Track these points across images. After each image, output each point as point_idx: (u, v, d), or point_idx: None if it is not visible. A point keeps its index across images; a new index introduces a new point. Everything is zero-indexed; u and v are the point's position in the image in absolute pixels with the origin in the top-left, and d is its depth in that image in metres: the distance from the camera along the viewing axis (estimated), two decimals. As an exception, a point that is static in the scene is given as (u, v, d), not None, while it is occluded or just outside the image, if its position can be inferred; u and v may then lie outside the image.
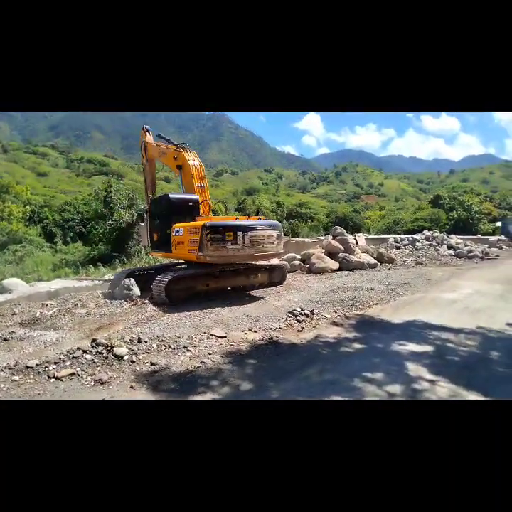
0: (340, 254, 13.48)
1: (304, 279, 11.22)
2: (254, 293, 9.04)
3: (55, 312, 7.70)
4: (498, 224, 34.72)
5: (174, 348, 4.65)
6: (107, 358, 4.21)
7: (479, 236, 27.10)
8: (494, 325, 6.09)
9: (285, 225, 42.43)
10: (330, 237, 14.86)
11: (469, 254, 16.91)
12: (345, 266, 13.14)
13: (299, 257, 14.07)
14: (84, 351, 4.24)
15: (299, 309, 6.44)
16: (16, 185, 44.20)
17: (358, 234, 19.15)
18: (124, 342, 4.60)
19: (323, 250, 13.90)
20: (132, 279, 9.21)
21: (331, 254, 13.61)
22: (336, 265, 13.09)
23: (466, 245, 18.25)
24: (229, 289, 9.11)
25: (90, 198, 34.06)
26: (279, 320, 6.13)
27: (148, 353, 4.50)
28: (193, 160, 9.83)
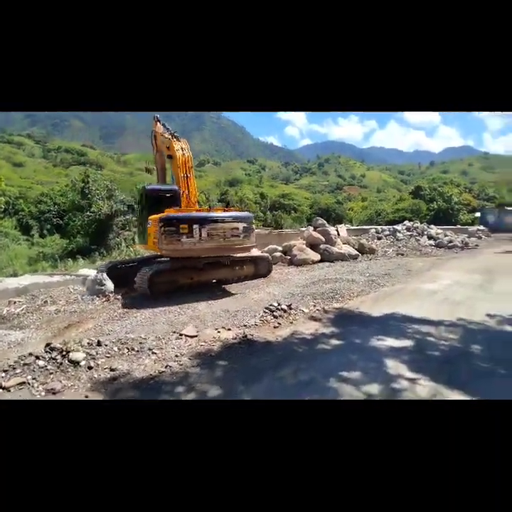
0: (321, 246, 13.34)
1: (285, 271, 11.05)
2: (234, 286, 8.81)
3: (22, 310, 7.32)
4: (477, 214, 35.37)
5: (138, 351, 4.31)
6: (61, 364, 3.84)
7: (459, 226, 27.46)
8: (474, 316, 5.99)
9: (268, 217, 42.29)
10: (311, 228, 14.68)
11: (449, 245, 17.03)
12: (327, 257, 13.02)
13: (280, 248, 13.88)
14: (37, 357, 3.86)
15: (276, 304, 6.19)
16: (-11, 177, 42.56)
17: (340, 225, 19.03)
18: (82, 346, 4.22)
19: (305, 242, 13.73)
20: (105, 274, 8.89)
21: (313, 245, 13.46)
22: (317, 257, 12.95)
23: (446, 235, 18.38)
24: (214, 281, 8.90)
25: (67, 189, 33.05)
26: (255, 316, 5.87)
27: (108, 357, 4.14)
28: (181, 149, 9.36)
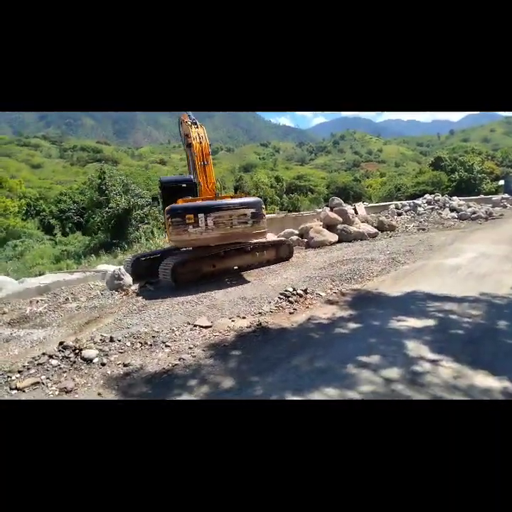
0: (338, 226, 13.05)
1: (303, 255, 10.88)
2: (252, 272, 8.74)
3: (44, 308, 7.46)
4: (501, 182, 33.91)
5: (151, 345, 4.29)
6: (74, 362, 3.85)
7: (482, 196, 26.41)
8: (500, 290, 5.71)
9: (285, 200, 41.88)
10: (327, 209, 14.37)
11: (473, 216, 16.36)
12: (345, 237, 12.74)
13: (296, 232, 13.68)
14: (50, 356, 3.88)
15: (292, 289, 6.05)
16: (9, 180, 43.67)
17: (358, 203, 18.58)
18: (94, 343, 4.22)
19: (321, 223, 13.47)
20: (122, 268, 9.00)
21: (330, 226, 13.19)
22: (334, 238, 12.69)
23: (469, 207, 17.66)
24: (235, 268, 8.87)
25: (85, 187, 33.66)
26: (270, 303, 5.76)
27: (121, 353, 4.13)
28: (198, 136, 9.13)
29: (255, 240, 8.87)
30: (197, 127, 9.35)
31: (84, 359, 3.89)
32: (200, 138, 9.10)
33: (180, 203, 8.02)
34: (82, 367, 3.82)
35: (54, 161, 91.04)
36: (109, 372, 3.74)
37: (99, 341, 4.31)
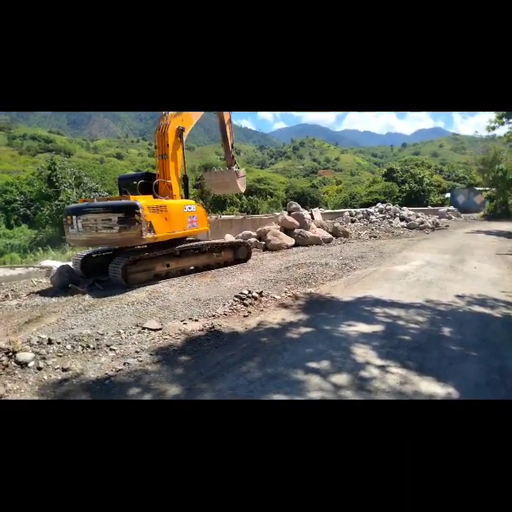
0: (295, 230, 13.24)
1: (260, 257, 10.91)
2: (208, 273, 8.64)
3: (-20, 306, 6.87)
4: (448, 195, 36.14)
5: (94, 348, 4.03)
6: (7, 366, 3.52)
7: (430, 207, 27.99)
8: (445, 297, 6.00)
9: (244, 202, 41.87)
10: (285, 213, 14.53)
11: (421, 226, 17.27)
12: (301, 242, 12.94)
13: (255, 234, 13.69)
14: (-21, 359, 3.54)
15: (247, 292, 6.00)
16: None
17: (314, 209, 18.98)
18: (31, 345, 3.90)
19: (279, 226, 13.58)
20: (70, 265, 8.52)
21: (287, 230, 13.34)
22: (291, 241, 12.85)
23: (417, 217, 18.64)
24: (192, 268, 8.71)
25: (34, 178, 31.72)
26: (224, 305, 5.67)
27: (60, 356, 3.84)
28: (163, 125, 8.76)
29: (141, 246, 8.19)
30: (163, 117, 8.99)
31: (18, 363, 3.56)
32: (163, 126, 8.75)
33: (75, 204, 8.27)
34: (16, 371, 3.49)
35: (1, 148, 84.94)
36: (45, 377, 3.44)
37: (36, 343, 3.98)
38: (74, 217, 7.59)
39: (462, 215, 26.20)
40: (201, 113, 10.17)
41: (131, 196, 7.55)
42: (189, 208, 8.68)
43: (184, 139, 9.14)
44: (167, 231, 7.87)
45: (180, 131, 8.92)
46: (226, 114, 11.49)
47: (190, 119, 9.48)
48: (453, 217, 24.27)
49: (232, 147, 12.50)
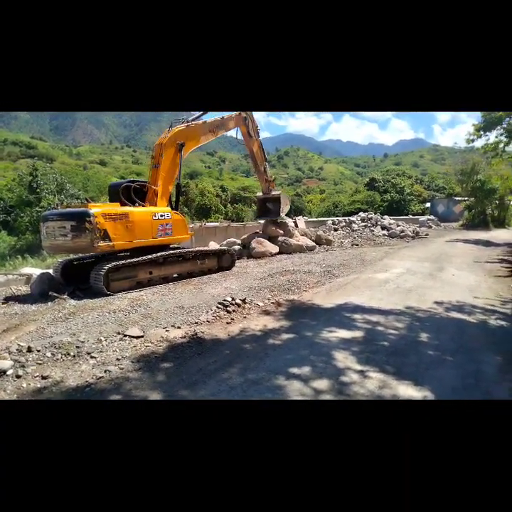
0: (279, 238, 13.35)
1: (244, 265, 10.95)
2: (191, 280, 8.63)
3: (-44, 313, 6.68)
4: (428, 205, 37.05)
5: (74, 356, 3.98)
6: (-16, 374, 3.46)
7: (410, 216, 28.61)
8: (423, 304, 6.15)
9: (229, 209, 41.95)
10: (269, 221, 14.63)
11: (401, 234, 17.63)
12: (285, 249, 13.05)
13: (239, 241, 13.74)
14: (-45, 368, 3.46)
15: (230, 299, 6.03)
16: None
17: (298, 217, 19.18)
18: (10, 353, 3.84)
19: (264, 234, 13.68)
20: (49, 272, 8.39)
21: (271, 238, 13.44)
22: (275, 249, 12.94)
23: (398, 226, 19.01)
24: (175, 276, 8.68)
25: (14, 184, 31.07)
26: (207, 312, 5.68)
27: (39, 364, 3.78)
28: (164, 135, 9.05)
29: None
30: (181, 126, 9.32)
31: (-5, 371, 3.50)
32: (164, 139, 8.96)
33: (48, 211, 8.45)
34: (-7, 379, 3.43)
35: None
36: (24, 385, 3.38)
37: (15, 351, 3.92)
38: (41, 224, 7.75)
39: (442, 224, 26.88)
40: (214, 136, 10.45)
41: (89, 204, 7.54)
42: (161, 216, 8.50)
43: (184, 154, 9.25)
44: (128, 239, 7.76)
45: (180, 146, 9.08)
46: (254, 143, 11.92)
47: (195, 138, 9.68)
48: (433, 226, 24.88)
49: (265, 171, 12.87)
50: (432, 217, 28.33)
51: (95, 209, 7.29)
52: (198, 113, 10.22)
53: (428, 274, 8.88)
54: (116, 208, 7.79)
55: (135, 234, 7.86)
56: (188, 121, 9.56)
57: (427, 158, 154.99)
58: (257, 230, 14.37)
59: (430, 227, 24.24)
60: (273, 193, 13.58)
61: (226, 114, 10.96)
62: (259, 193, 14.14)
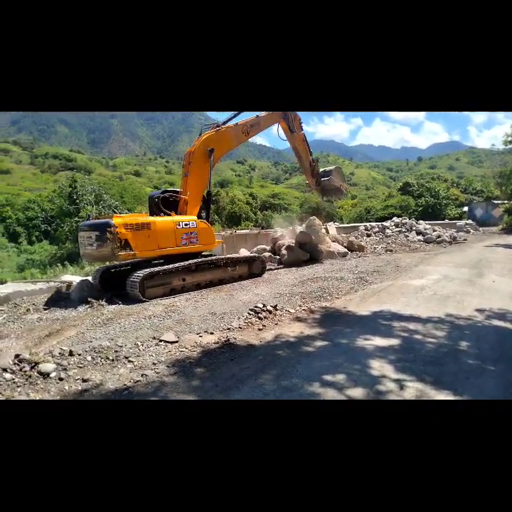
0: (310, 244, 13.25)
1: (274, 271, 10.94)
2: (223, 287, 8.72)
3: (3, 319, 7.08)
4: (465, 209, 35.68)
5: (113, 360, 4.12)
6: (30, 376, 3.63)
7: (447, 221, 27.66)
8: (463, 312, 5.91)
9: (260, 216, 42.19)
10: (299, 227, 14.58)
11: (438, 239, 17.04)
12: (316, 256, 12.93)
13: (269, 248, 13.77)
14: (4, 370, 3.65)
15: (261, 305, 6.04)
16: (-27, 185, 41.84)
17: (329, 223, 19.00)
18: (53, 356, 4.02)
19: (294, 241, 13.63)
20: (89, 280, 8.75)
21: (302, 244, 13.36)
22: (306, 256, 12.86)
23: (434, 230, 18.39)
24: (207, 282, 8.81)
25: (55, 195, 32.73)
26: (239, 318, 5.71)
27: (80, 367, 3.94)
28: (195, 143, 9.19)
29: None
30: (211, 131, 9.37)
31: (40, 373, 3.67)
32: (193, 147, 9.08)
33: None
34: (38, 381, 3.60)
35: (24, 167, 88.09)
36: (66, 387, 3.53)
37: (57, 355, 4.10)
38: (78, 233, 8.33)
39: (480, 228, 25.77)
40: (242, 141, 10.35)
41: (114, 215, 7.97)
42: (185, 225, 8.59)
43: (214, 159, 9.23)
44: (150, 248, 8.02)
45: (209, 152, 9.11)
46: (297, 138, 11.70)
47: (227, 143, 9.73)
48: (471, 230, 23.89)
49: (311, 165, 12.70)
50: (469, 221, 27.25)
51: (117, 220, 7.65)
52: (231, 113, 10.10)
53: (467, 280, 8.53)
54: (137, 218, 8.12)
55: (158, 243, 8.12)
56: (218, 126, 9.53)
57: (463, 161, 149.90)
58: (288, 237, 14.34)
59: (468, 231, 23.29)
60: (323, 169, 13.20)
61: (261, 113, 10.66)
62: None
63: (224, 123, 9.74)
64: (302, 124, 12.04)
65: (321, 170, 13.22)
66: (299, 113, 11.88)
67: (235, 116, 10.09)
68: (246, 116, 10.37)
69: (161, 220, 8.30)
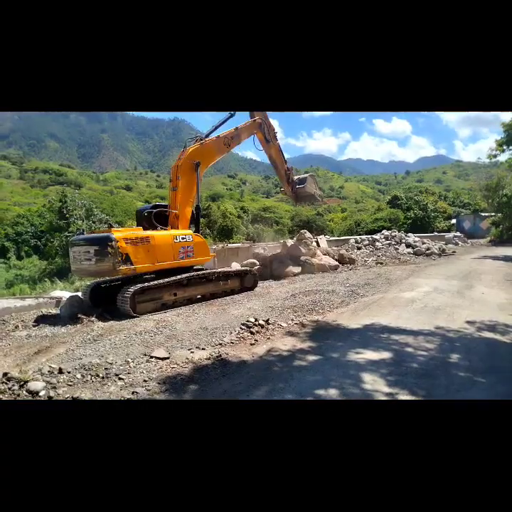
0: (301, 258, 13.31)
1: (266, 285, 10.93)
2: (215, 301, 8.70)
3: (-10, 336, 6.94)
4: (453, 221, 36.24)
5: (103, 377, 4.05)
6: (18, 395, 3.55)
7: (436, 233, 28.00)
8: (453, 324, 5.97)
9: (251, 230, 42.29)
10: (290, 240, 14.67)
11: (427, 252, 17.25)
12: (307, 269, 12.98)
13: (260, 262, 13.78)
14: (-9, 388, 3.58)
15: (253, 320, 6.03)
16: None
17: (320, 236, 19.13)
18: (42, 374, 3.95)
19: (285, 254, 13.69)
20: (78, 295, 8.65)
21: (293, 257, 13.42)
22: (297, 269, 12.90)
23: (423, 243, 18.63)
24: (199, 297, 8.78)
25: (44, 210, 32.49)
26: (231, 333, 5.69)
27: (70, 385, 3.87)
28: (180, 157, 9.15)
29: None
30: (196, 144, 9.38)
31: (29, 392, 3.59)
32: (179, 161, 9.07)
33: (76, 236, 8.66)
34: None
35: (13, 181, 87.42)
36: (54, 407, 3.47)
37: (46, 373, 4.03)
38: (69, 248, 8.15)
39: (468, 240, 26.17)
40: (224, 153, 10.46)
41: (112, 229, 7.76)
42: (182, 239, 8.63)
43: (200, 172, 9.33)
44: (150, 262, 7.93)
45: (195, 165, 9.18)
46: (272, 148, 12.04)
47: (210, 155, 9.77)
48: (459, 242, 24.24)
49: (287, 174, 13.09)
50: (458, 233, 27.67)
51: (117, 234, 7.53)
52: (214, 125, 10.26)
53: (457, 292, 8.63)
54: (137, 232, 8.04)
55: (157, 257, 8.06)
56: (201, 139, 9.60)
57: (450, 175, 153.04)
58: (279, 250, 14.40)
59: (457, 244, 23.62)
60: (297, 177, 13.62)
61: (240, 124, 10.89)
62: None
63: (207, 136, 9.82)
64: (276, 134, 12.46)
65: (295, 177, 13.57)
66: (280, 126, 12.25)
67: (215, 129, 10.16)
68: (228, 128, 10.52)
69: (159, 234, 8.27)
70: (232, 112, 10.36)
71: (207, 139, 9.73)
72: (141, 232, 8.06)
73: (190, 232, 9.04)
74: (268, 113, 12.00)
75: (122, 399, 3.25)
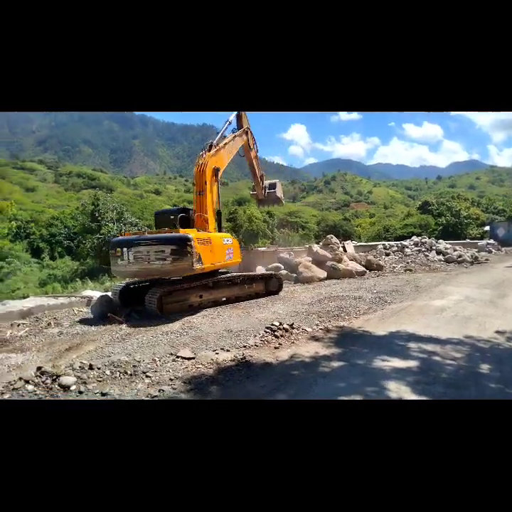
0: (327, 263, 13.22)
1: (291, 289, 10.93)
2: (239, 304, 8.77)
3: (25, 332, 7.29)
4: (487, 228, 34.94)
5: (131, 375, 4.18)
6: (51, 388, 3.73)
7: (468, 240, 27.08)
8: (484, 333, 5.76)
9: (276, 234, 42.32)
10: (316, 245, 14.59)
11: (459, 259, 16.72)
12: (333, 274, 12.87)
13: (284, 266, 13.77)
14: (27, 381, 3.76)
15: (278, 324, 6.04)
16: (0, 201, 43.49)
17: (347, 241, 18.92)
18: (73, 369, 4.12)
19: (311, 259, 13.62)
20: (108, 295, 8.93)
21: (319, 262, 13.34)
22: (323, 274, 12.81)
23: (455, 250, 18.07)
24: (224, 299, 8.90)
25: (77, 212, 33.69)
26: (255, 336, 5.72)
27: (99, 381, 4.01)
28: (200, 163, 9.24)
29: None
30: (210, 151, 9.49)
31: (61, 386, 3.77)
32: (201, 165, 9.19)
33: (122, 237, 8.59)
34: (59, 394, 3.68)
35: (48, 185, 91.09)
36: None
37: (78, 368, 4.20)
38: (124, 249, 7.91)
39: (502, 248, 25.16)
40: (232, 155, 10.78)
41: (180, 230, 7.89)
42: (227, 241, 9.10)
43: (219, 177, 9.65)
44: (211, 262, 8.24)
45: (216, 171, 9.42)
46: (252, 153, 12.40)
47: (222, 160, 9.98)
48: (493, 250, 23.34)
49: (261, 178, 13.39)
50: (491, 241, 26.66)
51: (191, 234, 7.78)
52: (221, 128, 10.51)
53: (489, 301, 8.32)
54: (201, 233, 8.30)
55: (215, 257, 8.41)
56: (214, 146, 9.75)
57: (483, 180, 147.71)
58: (305, 254, 14.35)
59: (490, 252, 22.75)
60: (268, 182, 13.86)
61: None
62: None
63: (217, 143, 10.01)
64: (256, 145, 12.90)
65: (266, 182, 13.83)
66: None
67: (223, 131, 10.40)
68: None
69: (215, 236, 8.69)
70: (229, 120, 10.71)
71: (218, 146, 9.93)
72: (205, 234, 8.37)
73: (229, 235, 9.54)
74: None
75: (146, 398, 3.32)
